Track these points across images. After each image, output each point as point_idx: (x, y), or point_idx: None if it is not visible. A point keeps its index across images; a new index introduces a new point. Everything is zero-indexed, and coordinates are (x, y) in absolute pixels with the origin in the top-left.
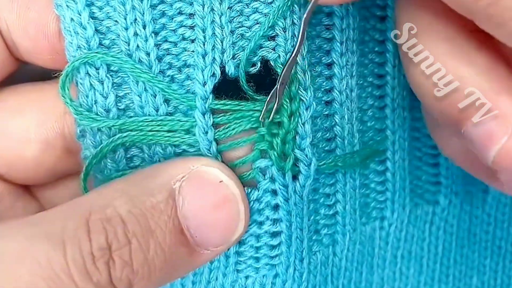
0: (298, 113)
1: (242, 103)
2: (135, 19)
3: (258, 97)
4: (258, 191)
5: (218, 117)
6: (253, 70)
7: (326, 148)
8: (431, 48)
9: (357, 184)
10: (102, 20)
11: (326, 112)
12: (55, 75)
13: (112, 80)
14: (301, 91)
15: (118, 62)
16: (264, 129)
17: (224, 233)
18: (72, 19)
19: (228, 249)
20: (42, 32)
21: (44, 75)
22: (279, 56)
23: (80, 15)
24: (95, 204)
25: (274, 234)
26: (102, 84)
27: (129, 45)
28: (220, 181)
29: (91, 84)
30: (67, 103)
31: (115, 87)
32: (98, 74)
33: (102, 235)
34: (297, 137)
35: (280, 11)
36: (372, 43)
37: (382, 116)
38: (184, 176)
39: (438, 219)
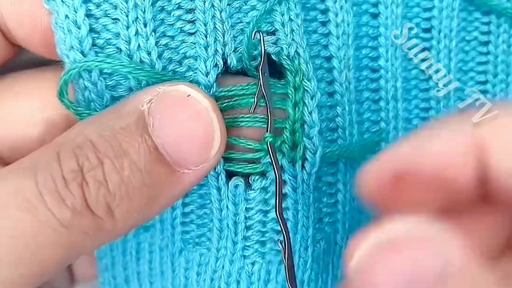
0: (302, 102)
1: (246, 87)
2: (137, 17)
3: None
4: (266, 180)
5: (223, 104)
6: (254, 63)
7: (329, 138)
8: None
9: (356, 173)
10: (99, 18)
11: (329, 103)
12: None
13: (105, 82)
14: (305, 82)
15: (117, 67)
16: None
17: (200, 146)
18: (67, 16)
19: (234, 236)
20: (35, 24)
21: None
22: (282, 49)
23: (76, 12)
24: (66, 137)
25: None
26: (96, 85)
27: (130, 44)
28: (188, 96)
29: (85, 86)
30: (67, 106)
31: (110, 89)
32: (91, 77)
33: (73, 159)
34: (305, 126)
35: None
36: (366, 38)
37: (377, 108)
38: (152, 99)
39: None
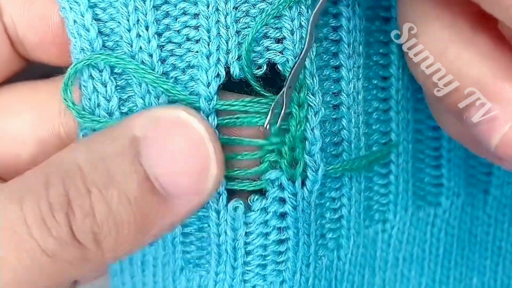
0: (306, 119)
1: (249, 104)
2: (138, 20)
3: (266, 93)
4: (267, 199)
5: (225, 120)
6: (259, 72)
7: (334, 152)
8: (432, 36)
9: (362, 187)
10: (106, 22)
11: (334, 116)
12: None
13: (116, 82)
14: (309, 97)
15: (122, 63)
16: (272, 140)
17: (195, 177)
18: (75, 21)
19: (233, 261)
20: (46, 24)
21: (43, 76)
22: (287, 60)
23: (83, 16)
24: (55, 161)
25: (281, 241)
26: (105, 86)
27: (132, 46)
28: (184, 122)
29: (94, 87)
30: (69, 106)
31: (119, 90)
32: (101, 76)
33: (60, 185)
34: (306, 143)
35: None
36: (377, 44)
37: (387, 118)
38: (146, 124)
39: (440, 221)
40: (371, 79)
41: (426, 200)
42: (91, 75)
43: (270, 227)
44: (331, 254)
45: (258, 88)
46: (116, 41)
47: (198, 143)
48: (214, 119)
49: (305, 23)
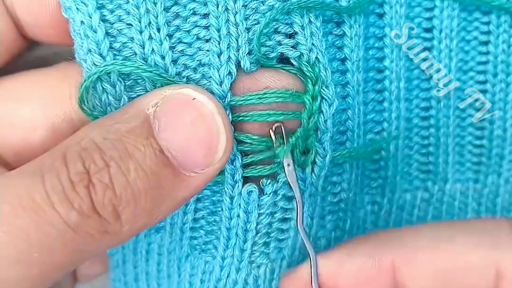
0: (320, 110)
1: (264, 96)
2: (149, 22)
3: (285, 67)
4: (278, 183)
5: (239, 117)
6: (270, 61)
7: (339, 140)
8: None
9: (359, 172)
10: (113, 23)
11: (342, 107)
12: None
13: (124, 83)
14: (323, 89)
15: (138, 71)
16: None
17: (206, 149)
18: (82, 22)
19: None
20: (44, 8)
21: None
22: (302, 54)
23: (90, 18)
24: (71, 141)
25: (285, 219)
26: (114, 87)
27: (144, 48)
28: (193, 99)
29: (103, 88)
30: (89, 114)
31: (128, 90)
32: (110, 78)
33: (79, 162)
34: (318, 132)
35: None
36: (372, 39)
37: (381, 109)
38: (158, 102)
39: (427, 205)
40: (368, 71)
41: (413, 184)
42: (99, 77)
43: (278, 207)
44: (329, 235)
45: (278, 66)
46: (124, 42)
47: (206, 116)
48: (229, 115)
49: (313, 19)
